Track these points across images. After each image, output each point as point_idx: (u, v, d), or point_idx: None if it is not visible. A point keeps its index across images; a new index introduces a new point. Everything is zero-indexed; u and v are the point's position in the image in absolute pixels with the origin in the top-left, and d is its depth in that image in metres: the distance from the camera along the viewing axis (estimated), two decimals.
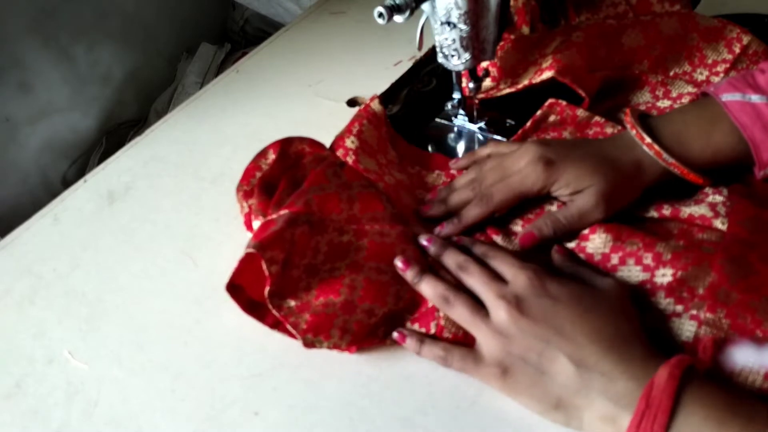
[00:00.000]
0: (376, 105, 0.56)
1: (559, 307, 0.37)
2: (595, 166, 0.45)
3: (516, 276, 0.40)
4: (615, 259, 0.42)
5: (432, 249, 0.45)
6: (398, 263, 0.44)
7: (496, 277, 0.41)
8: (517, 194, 0.47)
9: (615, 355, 0.35)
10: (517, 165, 0.47)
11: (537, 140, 0.50)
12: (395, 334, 0.42)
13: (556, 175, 0.45)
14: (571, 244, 0.45)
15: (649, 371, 0.33)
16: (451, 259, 0.44)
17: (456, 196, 0.50)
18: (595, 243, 0.43)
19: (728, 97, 0.44)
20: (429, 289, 0.42)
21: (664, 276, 0.39)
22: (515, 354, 0.37)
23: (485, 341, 0.39)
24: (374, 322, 0.43)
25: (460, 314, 0.40)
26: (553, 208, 0.48)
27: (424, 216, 0.50)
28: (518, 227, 0.48)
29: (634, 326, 0.37)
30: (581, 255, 0.44)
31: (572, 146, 0.47)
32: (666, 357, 0.34)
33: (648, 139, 0.44)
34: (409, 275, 0.43)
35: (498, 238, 0.47)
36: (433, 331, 0.42)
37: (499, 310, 0.38)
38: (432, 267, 0.45)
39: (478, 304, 0.40)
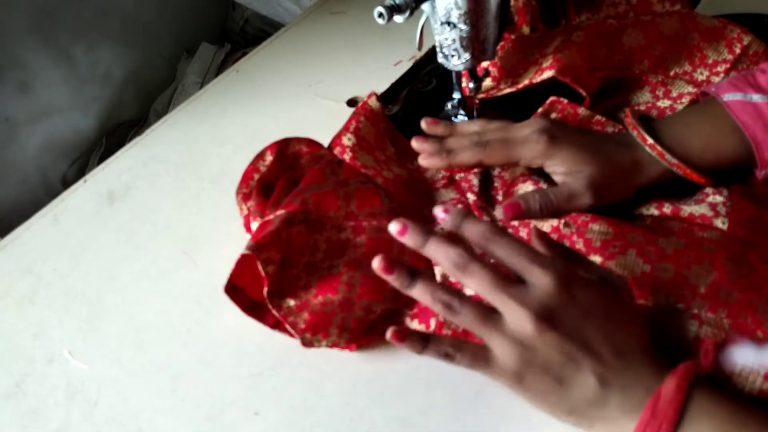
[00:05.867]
0: (373, 102, 0.56)
1: (588, 319, 0.33)
2: (593, 154, 0.45)
3: (540, 278, 0.33)
4: (615, 248, 0.41)
5: (411, 240, 0.35)
6: (380, 270, 0.35)
7: (505, 276, 0.34)
8: (513, 156, 0.47)
9: (635, 368, 0.33)
10: (522, 131, 0.47)
11: (545, 116, 0.50)
12: (389, 335, 0.35)
13: (555, 150, 0.45)
14: (570, 230, 0.44)
15: (659, 380, 0.32)
16: (443, 256, 0.34)
17: (454, 141, 0.50)
18: (595, 231, 0.43)
19: (729, 97, 0.44)
20: (425, 295, 0.34)
21: (666, 271, 0.39)
22: (535, 365, 0.33)
23: (501, 349, 0.34)
24: (373, 320, 0.43)
25: (470, 322, 0.34)
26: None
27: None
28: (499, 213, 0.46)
29: (647, 332, 0.36)
30: (579, 240, 0.43)
31: (577, 131, 0.48)
32: (671, 362, 0.33)
33: (650, 140, 0.44)
34: (397, 282, 0.35)
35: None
36: (432, 327, 0.42)
37: (522, 321, 0.32)
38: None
39: (486, 308, 0.34)
